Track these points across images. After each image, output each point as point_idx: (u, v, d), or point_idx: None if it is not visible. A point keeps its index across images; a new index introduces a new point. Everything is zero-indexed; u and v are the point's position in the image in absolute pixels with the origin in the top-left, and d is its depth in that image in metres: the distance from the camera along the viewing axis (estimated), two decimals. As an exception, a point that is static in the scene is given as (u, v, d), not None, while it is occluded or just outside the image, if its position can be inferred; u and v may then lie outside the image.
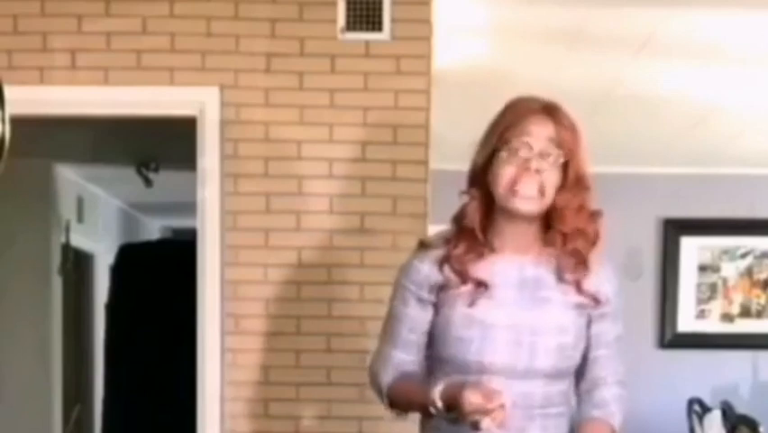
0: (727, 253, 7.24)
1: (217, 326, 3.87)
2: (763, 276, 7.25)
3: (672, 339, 7.26)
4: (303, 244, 3.88)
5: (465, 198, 2.40)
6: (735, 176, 7.03)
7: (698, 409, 6.28)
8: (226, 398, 3.87)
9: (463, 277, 2.36)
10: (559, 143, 2.32)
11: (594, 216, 2.40)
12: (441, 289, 2.40)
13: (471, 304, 2.35)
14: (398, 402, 2.48)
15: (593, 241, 2.39)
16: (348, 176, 3.87)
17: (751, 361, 7.25)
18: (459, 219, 2.40)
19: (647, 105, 5.56)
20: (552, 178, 2.32)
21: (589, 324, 2.42)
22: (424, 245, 2.48)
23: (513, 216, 2.34)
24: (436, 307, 2.41)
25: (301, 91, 3.87)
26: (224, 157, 3.87)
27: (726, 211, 7.09)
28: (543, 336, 2.35)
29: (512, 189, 2.30)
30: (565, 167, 2.33)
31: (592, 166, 2.44)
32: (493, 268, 2.37)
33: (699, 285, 7.27)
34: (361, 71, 3.86)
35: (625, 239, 7.15)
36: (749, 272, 7.25)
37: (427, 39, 3.87)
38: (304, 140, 3.87)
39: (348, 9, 3.84)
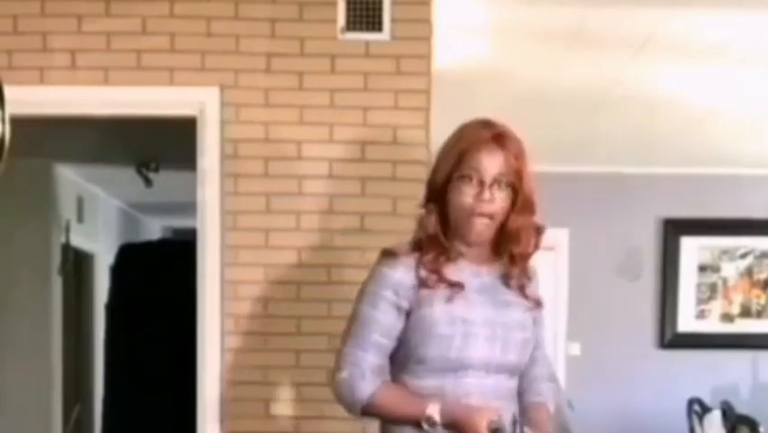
0: (727, 253, 7.25)
1: (217, 326, 3.87)
2: (763, 276, 7.26)
3: (672, 339, 7.27)
4: (303, 244, 3.88)
5: (422, 212, 2.60)
6: (735, 176, 7.04)
7: (698, 409, 6.28)
8: (226, 397, 3.87)
9: (439, 277, 2.51)
10: (508, 171, 2.51)
11: (538, 231, 2.61)
12: (417, 289, 2.51)
13: (449, 301, 2.50)
14: (379, 410, 2.56)
15: (532, 253, 2.62)
16: (348, 176, 3.87)
17: (751, 361, 7.26)
18: (422, 229, 2.58)
19: (647, 106, 5.56)
20: (502, 203, 2.52)
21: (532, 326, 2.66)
22: (390, 253, 2.59)
23: (467, 239, 2.55)
24: (409, 313, 2.52)
25: (301, 91, 3.87)
26: (224, 157, 3.87)
27: (726, 211, 7.10)
28: (512, 331, 2.56)
29: (468, 220, 2.51)
30: (515, 191, 2.52)
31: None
32: (461, 273, 2.54)
33: (699, 285, 7.28)
34: (361, 71, 3.86)
35: (625, 239, 7.17)
36: (749, 272, 7.26)
37: (427, 39, 3.87)
38: (304, 140, 3.87)
39: (348, 9, 3.84)
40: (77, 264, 7.23)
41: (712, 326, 7.27)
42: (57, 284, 6.81)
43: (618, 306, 7.28)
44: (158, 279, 5.93)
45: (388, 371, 2.57)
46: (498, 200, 2.50)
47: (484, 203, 2.49)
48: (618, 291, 7.30)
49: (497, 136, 2.52)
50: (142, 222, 9.45)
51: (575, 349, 7.34)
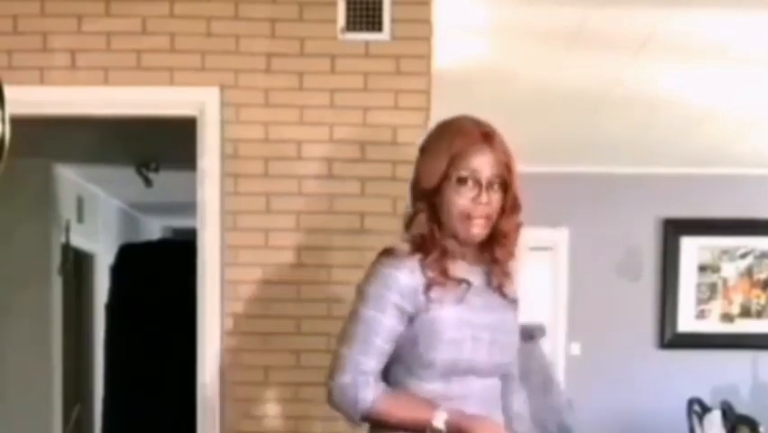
0: (727, 253, 7.25)
1: (217, 326, 3.87)
2: (763, 276, 7.26)
3: (672, 339, 7.27)
4: (303, 244, 3.88)
5: (411, 210, 2.56)
6: (735, 176, 7.04)
7: (698, 409, 6.28)
8: (226, 397, 3.87)
9: (445, 275, 2.47)
10: (500, 171, 2.47)
11: (520, 230, 2.58)
12: (424, 292, 2.45)
13: (461, 301, 2.46)
14: (381, 417, 2.49)
15: (516, 253, 2.59)
16: (348, 176, 3.87)
17: (751, 361, 7.26)
18: (415, 229, 2.53)
19: (647, 106, 5.56)
20: (497, 204, 2.49)
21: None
22: (392, 253, 2.53)
23: (462, 241, 2.51)
24: (412, 317, 2.46)
25: (301, 91, 3.87)
26: (224, 157, 3.87)
27: (726, 211, 7.10)
28: (507, 334, 2.55)
29: (465, 226, 2.47)
30: (505, 190, 2.49)
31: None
32: (463, 272, 2.50)
33: (699, 285, 7.28)
34: (360, 71, 3.86)
35: (625, 239, 7.17)
36: (749, 272, 7.26)
37: (427, 39, 3.87)
38: (304, 140, 3.87)
39: (348, 9, 3.84)
40: (77, 264, 7.23)
41: (712, 326, 7.27)
42: (57, 284, 6.81)
43: (618, 306, 7.28)
44: (158, 279, 5.93)
45: (380, 376, 2.50)
46: (494, 202, 2.47)
47: (482, 206, 2.45)
48: (618, 291, 7.30)
49: (485, 135, 2.48)
50: (142, 222, 9.45)
51: (575, 349, 7.34)
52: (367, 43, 3.86)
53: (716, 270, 7.26)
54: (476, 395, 2.49)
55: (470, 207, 2.45)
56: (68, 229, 6.91)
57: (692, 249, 7.22)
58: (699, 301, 7.27)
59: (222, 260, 3.87)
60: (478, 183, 2.45)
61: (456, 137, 2.49)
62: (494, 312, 2.52)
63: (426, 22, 3.86)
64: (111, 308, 6.37)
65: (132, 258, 6.35)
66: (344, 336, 2.51)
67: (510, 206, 2.50)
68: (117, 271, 6.40)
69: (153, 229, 9.76)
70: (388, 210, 3.85)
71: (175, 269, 5.02)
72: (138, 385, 5.95)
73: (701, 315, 7.27)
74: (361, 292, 2.52)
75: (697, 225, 7.16)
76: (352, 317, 2.51)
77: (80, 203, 7.36)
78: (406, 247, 2.53)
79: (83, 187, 7.40)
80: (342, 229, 3.87)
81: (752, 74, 4.96)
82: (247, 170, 3.87)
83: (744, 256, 7.24)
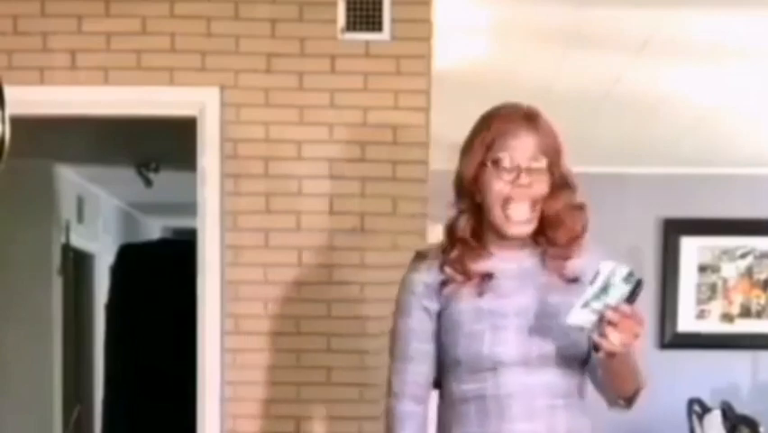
0: (727, 253, 7.24)
1: (217, 326, 3.87)
2: (763, 276, 7.25)
3: (672, 339, 7.26)
4: (303, 244, 3.88)
5: (453, 210, 2.44)
6: (735, 176, 7.03)
7: (698, 409, 6.28)
8: (226, 398, 3.87)
9: (467, 274, 2.37)
10: (543, 152, 2.35)
11: (580, 210, 2.45)
12: (443, 287, 2.39)
13: (480, 294, 2.35)
14: None
15: (580, 234, 2.46)
16: (348, 176, 3.87)
17: (751, 361, 7.25)
18: (451, 231, 2.43)
19: (647, 105, 5.56)
20: (540, 188, 2.36)
21: None
22: (420, 256, 2.48)
23: (505, 232, 2.38)
24: (439, 314, 2.40)
25: (301, 91, 3.87)
26: (224, 157, 3.87)
27: (726, 211, 7.09)
28: (551, 318, 2.32)
29: (505, 213, 2.34)
30: (551, 171, 2.37)
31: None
32: (492, 263, 2.39)
33: (699, 285, 7.27)
34: (361, 71, 3.86)
35: (625, 239, 7.15)
36: (749, 272, 7.25)
37: (427, 39, 3.87)
38: (304, 140, 3.87)
39: (348, 9, 3.84)
40: (77, 264, 7.23)
41: (712, 326, 7.26)
42: (57, 284, 6.81)
43: (618, 306, 7.26)
44: (158, 279, 5.93)
45: (431, 375, 2.44)
46: (536, 184, 2.33)
47: (522, 189, 2.32)
48: (618, 291, 7.28)
49: (527, 115, 2.36)
50: (142, 222, 9.45)
51: (575, 349, 7.33)
52: (367, 43, 3.86)
53: (716, 270, 7.25)
54: (516, 393, 2.34)
55: (510, 190, 2.33)
56: (68, 229, 6.91)
57: (692, 249, 7.21)
58: (699, 301, 7.25)
59: (222, 260, 3.87)
60: (517, 165, 2.32)
61: (493, 122, 2.38)
62: (537, 295, 2.36)
63: (426, 22, 3.86)
64: (111, 309, 6.37)
65: (132, 258, 6.35)
66: (389, 349, 2.50)
67: (558, 186, 2.37)
68: (117, 271, 6.40)
69: (153, 229, 9.75)
70: (388, 210, 3.85)
71: (175, 269, 5.02)
72: (138, 386, 5.95)
73: (701, 315, 7.26)
74: (395, 303, 2.49)
75: (697, 225, 7.15)
76: (392, 328, 2.50)
77: (80, 203, 7.36)
78: (435, 248, 2.46)
79: (83, 187, 7.40)
80: (342, 229, 3.87)
81: (752, 74, 4.95)
82: (247, 170, 3.87)
83: (744, 256, 7.23)
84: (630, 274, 2.16)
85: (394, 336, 2.48)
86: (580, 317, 2.17)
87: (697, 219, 7.14)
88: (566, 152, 2.40)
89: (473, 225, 2.40)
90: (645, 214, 7.20)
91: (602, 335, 2.15)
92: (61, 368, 6.89)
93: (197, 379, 3.91)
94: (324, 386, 3.87)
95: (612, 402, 2.48)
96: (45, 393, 6.69)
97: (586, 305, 2.15)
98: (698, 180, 7.10)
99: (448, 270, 2.39)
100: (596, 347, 2.20)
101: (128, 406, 6.05)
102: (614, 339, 2.15)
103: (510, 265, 2.39)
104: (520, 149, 2.33)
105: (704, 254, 7.25)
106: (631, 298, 2.15)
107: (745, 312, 7.26)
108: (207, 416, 3.88)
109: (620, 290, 2.14)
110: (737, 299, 7.27)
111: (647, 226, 7.24)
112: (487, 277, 2.36)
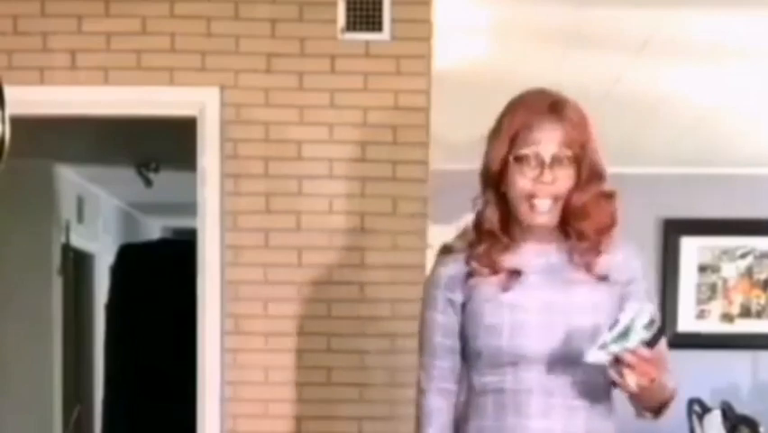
0: (727, 253, 7.24)
1: (217, 326, 3.87)
2: (763, 276, 7.25)
3: (672, 339, 7.20)
4: (303, 244, 3.88)
5: (480, 203, 2.39)
6: (735, 176, 7.03)
7: (698, 409, 6.27)
8: (226, 398, 3.87)
9: (494, 268, 2.34)
10: (569, 143, 2.29)
11: (609, 198, 2.39)
12: (469, 278, 2.36)
13: (506, 290, 2.32)
14: None
15: (611, 224, 2.41)
16: (348, 176, 3.87)
17: (751, 361, 7.25)
18: (479, 224, 2.39)
19: (647, 105, 5.56)
20: (566, 181, 2.31)
21: (621, 305, 2.31)
22: (446, 249, 2.45)
23: (529, 225, 2.35)
24: (463, 306, 2.38)
25: (301, 91, 3.87)
26: (224, 157, 3.87)
27: (726, 211, 7.09)
28: (575, 316, 2.29)
29: (529, 204, 2.30)
30: (578, 163, 2.31)
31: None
32: (519, 258, 2.35)
33: (699, 285, 7.26)
34: (361, 71, 3.86)
35: (625, 239, 7.13)
36: (749, 272, 7.25)
37: (427, 39, 3.87)
38: (304, 140, 3.87)
39: (348, 9, 3.84)
40: (76, 264, 7.23)
41: (712, 326, 7.26)
42: (57, 284, 6.81)
43: (618, 306, 7.26)
44: (158, 279, 5.93)
45: (457, 370, 2.42)
46: (561, 180, 2.28)
47: (546, 186, 2.27)
48: (618, 291, 7.28)
49: (552, 105, 2.30)
50: (142, 222, 9.45)
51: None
52: (367, 43, 3.86)
53: (716, 270, 7.25)
54: (535, 389, 2.30)
55: (532, 187, 2.28)
56: (68, 229, 6.91)
57: (692, 249, 7.21)
58: (699, 301, 7.25)
59: (222, 260, 3.87)
60: (540, 161, 2.27)
61: (517, 112, 2.32)
62: (563, 292, 2.31)
63: (426, 22, 3.86)
64: (111, 308, 6.37)
65: (132, 258, 6.35)
66: (419, 344, 2.49)
67: (586, 178, 2.31)
68: (117, 271, 6.40)
69: (153, 229, 9.75)
70: (388, 210, 3.85)
71: (175, 269, 5.01)
72: (138, 386, 5.95)
73: (701, 315, 7.26)
74: (422, 299, 2.48)
75: (697, 226, 7.14)
76: (419, 324, 2.48)
77: (80, 203, 7.36)
78: (462, 240, 2.42)
79: (83, 187, 7.40)
80: (342, 229, 3.87)
81: (752, 73, 4.95)
82: (247, 170, 3.87)
83: (744, 256, 7.23)
84: (651, 321, 2.14)
85: (421, 332, 2.47)
86: (598, 356, 2.15)
87: (697, 219, 7.13)
88: (596, 139, 2.33)
89: (500, 217, 2.36)
90: (645, 214, 7.19)
91: (619, 374, 2.15)
92: (61, 368, 6.89)
93: (197, 379, 3.91)
94: (324, 386, 3.87)
95: (639, 414, 2.48)
96: (45, 393, 6.69)
97: (604, 346, 2.13)
98: (698, 180, 7.09)
99: (474, 264, 2.36)
100: (613, 383, 2.20)
101: (128, 406, 6.05)
102: (630, 381, 2.15)
103: (538, 260, 2.35)
104: (544, 143, 2.28)
105: (704, 254, 7.25)
106: (651, 343, 2.15)
107: (745, 312, 7.26)
108: (207, 416, 3.88)
109: (640, 335, 2.13)
110: (737, 299, 7.27)
111: (647, 226, 7.24)
112: (515, 274, 2.32)
